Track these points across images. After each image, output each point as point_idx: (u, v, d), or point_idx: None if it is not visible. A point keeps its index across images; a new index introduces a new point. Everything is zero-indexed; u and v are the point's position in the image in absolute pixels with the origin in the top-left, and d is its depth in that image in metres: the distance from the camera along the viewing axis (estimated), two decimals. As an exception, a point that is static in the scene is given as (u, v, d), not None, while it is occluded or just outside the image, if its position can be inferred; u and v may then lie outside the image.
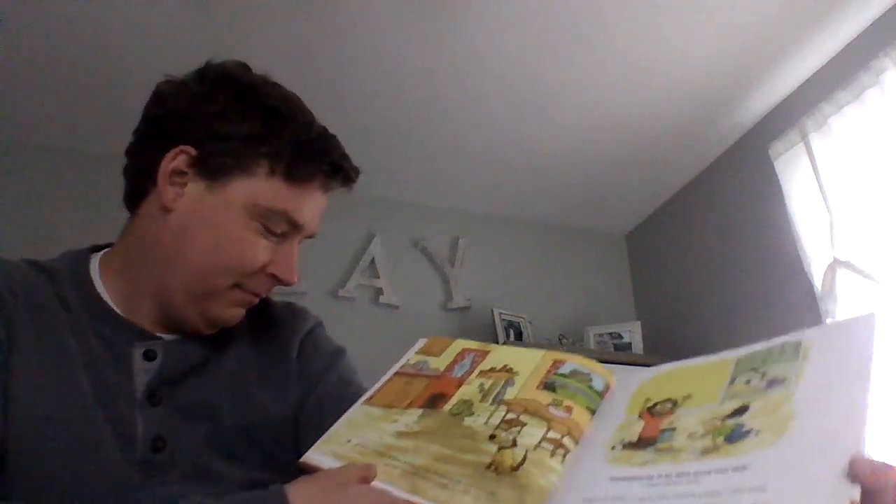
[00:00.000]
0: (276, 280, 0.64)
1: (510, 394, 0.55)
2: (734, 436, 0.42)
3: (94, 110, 1.94)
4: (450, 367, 0.63)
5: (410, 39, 1.81)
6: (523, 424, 0.51)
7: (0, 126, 2.03)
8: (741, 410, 0.44)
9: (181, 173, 0.60)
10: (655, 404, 0.50)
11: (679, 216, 2.65)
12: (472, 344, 0.66)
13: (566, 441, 0.49)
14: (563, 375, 0.56)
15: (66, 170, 2.15)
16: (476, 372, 0.60)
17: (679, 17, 1.74)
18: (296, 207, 0.62)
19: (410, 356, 0.68)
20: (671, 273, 2.63)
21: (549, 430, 0.50)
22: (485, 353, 0.64)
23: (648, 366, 0.57)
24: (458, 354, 0.65)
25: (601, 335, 2.50)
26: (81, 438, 0.52)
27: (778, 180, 1.96)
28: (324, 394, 0.67)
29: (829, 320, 1.75)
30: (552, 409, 0.52)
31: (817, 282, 1.80)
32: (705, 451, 0.42)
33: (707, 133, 2.30)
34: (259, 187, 0.60)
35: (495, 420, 0.52)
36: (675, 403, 0.49)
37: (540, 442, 0.49)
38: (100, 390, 0.55)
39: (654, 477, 0.42)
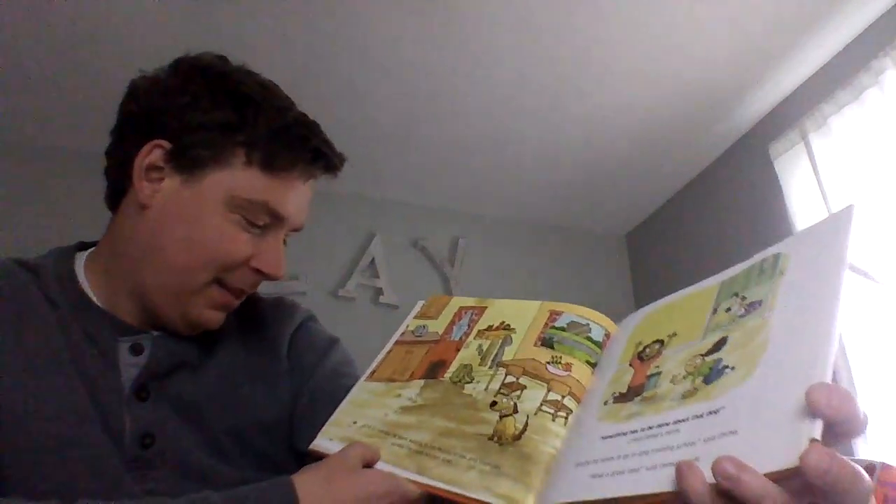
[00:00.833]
0: (261, 274, 0.61)
1: (508, 354, 0.55)
2: (712, 375, 0.39)
3: (94, 110, 1.94)
4: (448, 330, 0.63)
5: (410, 40, 1.80)
6: (523, 388, 0.50)
7: (0, 126, 2.03)
8: (720, 344, 0.41)
9: (157, 168, 0.59)
10: (645, 348, 0.48)
11: (679, 216, 2.65)
12: (470, 301, 0.66)
13: (567, 402, 0.48)
14: (561, 329, 0.55)
15: (67, 170, 2.16)
16: (474, 332, 0.60)
17: (679, 17, 1.74)
18: (277, 198, 0.60)
19: (409, 321, 0.68)
20: (671, 273, 2.63)
21: (549, 391, 0.49)
22: (482, 310, 0.63)
23: None
24: (455, 314, 0.65)
25: (601, 335, 2.49)
26: (70, 435, 0.51)
27: (778, 180, 1.96)
28: (317, 387, 0.66)
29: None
30: (551, 368, 0.51)
31: (817, 282, 1.79)
32: (685, 396, 0.40)
33: (707, 133, 2.30)
34: (236, 178, 0.58)
35: (495, 385, 0.52)
36: (662, 344, 0.47)
37: (540, 405, 0.48)
38: (88, 386, 0.54)
39: (638, 431, 0.40)
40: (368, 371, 0.63)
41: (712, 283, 0.49)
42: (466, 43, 1.82)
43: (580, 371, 0.51)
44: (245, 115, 0.59)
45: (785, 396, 0.33)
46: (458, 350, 0.59)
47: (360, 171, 2.47)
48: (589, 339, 0.54)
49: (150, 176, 0.59)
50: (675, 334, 0.47)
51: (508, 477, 0.44)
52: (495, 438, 0.47)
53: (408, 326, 0.67)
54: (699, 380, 0.40)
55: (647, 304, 0.55)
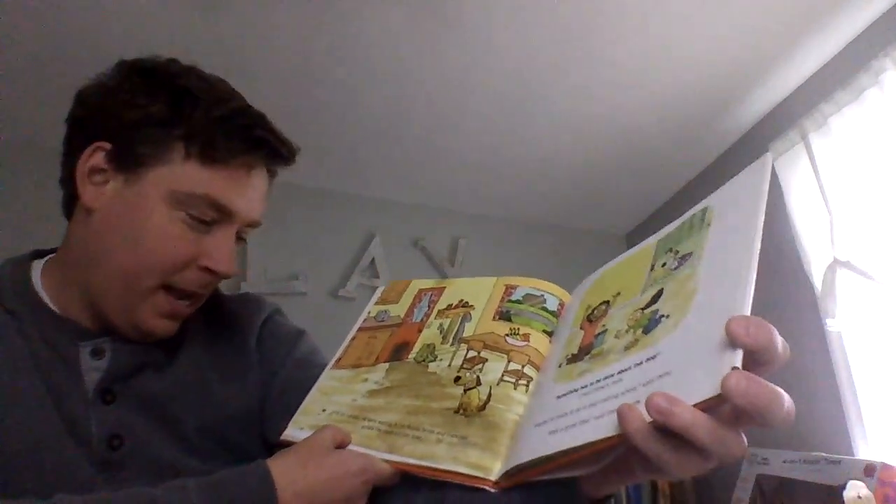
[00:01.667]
0: (209, 273, 0.59)
1: (469, 330, 0.57)
2: (650, 325, 0.41)
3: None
4: (409, 312, 0.64)
5: (410, 41, 1.81)
6: (484, 361, 0.52)
7: (0, 126, 2.03)
8: (657, 297, 0.43)
9: (100, 171, 0.58)
10: (593, 310, 0.50)
11: (679, 216, 2.65)
12: (428, 282, 0.68)
13: (527, 370, 0.50)
14: (517, 302, 0.57)
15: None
16: (434, 312, 0.62)
17: (679, 17, 1.74)
18: (219, 190, 0.58)
19: (370, 308, 0.69)
20: (671, 273, 2.62)
21: (509, 362, 0.51)
22: (441, 290, 0.65)
23: None
24: (415, 296, 0.66)
25: (601, 335, 2.49)
26: (38, 442, 0.51)
27: (778, 180, 1.96)
28: (286, 378, 0.66)
29: (828, 320, 1.75)
30: (510, 340, 0.53)
31: (817, 282, 1.80)
32: (628, 347, 0.41)
33: (707, 133, 2.30)
34: (175, 173, 0.57)
35: (458, 361, 0.54)
36: (608, 304, 0.49)
37: (502, 376, 0.50)
38: (52, 392, 0.54)
39: (588, 386, 0.42)
40: (334, 359, 0.64)
41: (650, 242, 0.51)
42: (466, 43, 1.83)
43: (538, 340, 0.53)
44: (182, 108, 0.57)
45: (710, 333, 0.35)
46: (421, 331, 0.60)
47: (360, 171, 2.47)
48: (544, 309, 0.56)
49: (94, 179, 0.58)
50: (619, 293, 0.49)
51: (476, 446, 0.45)
52: (461, 411, 0.49)
53: (369, 313, 0.68)
54: (639, 331, 0.42)
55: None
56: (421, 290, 0.67)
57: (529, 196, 2.71)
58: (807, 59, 1.92)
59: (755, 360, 0.34)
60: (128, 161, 0.57)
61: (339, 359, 0.63)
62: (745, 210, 0.41)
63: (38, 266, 0.63)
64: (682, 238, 0.46)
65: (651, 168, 2.51)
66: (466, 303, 0.60)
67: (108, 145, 0.58)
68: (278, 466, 0.48)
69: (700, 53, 1.89)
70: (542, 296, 0.57)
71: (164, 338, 0.61)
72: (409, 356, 0.58)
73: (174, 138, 0.57)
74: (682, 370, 0.35)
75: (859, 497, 1.35)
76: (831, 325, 1.75)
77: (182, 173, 0.57)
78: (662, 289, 0.43)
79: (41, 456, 0.51)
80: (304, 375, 0.64)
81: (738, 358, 0.32)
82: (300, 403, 0.59)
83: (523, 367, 0.50)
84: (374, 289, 2.61)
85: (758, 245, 0.37)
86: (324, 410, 0.57)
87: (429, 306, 0.63)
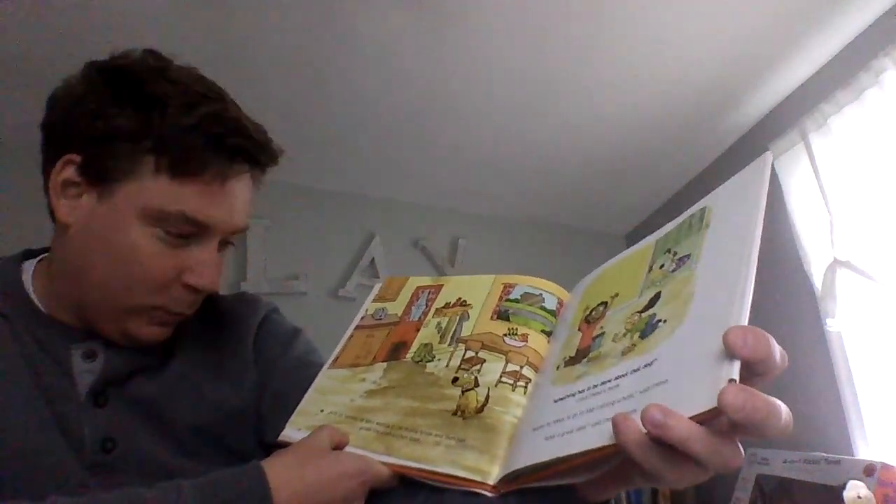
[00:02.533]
0: (193, 290, 0.57)
1: (466, 329, 0.56)
2: (647, 329, 0.40)
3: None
4: (407, 310, 0.64)
5: (410, 40, 1.80)
6: (482, 361, 0.52)
7: (1, 126, 2.03)
8: (654, 300, 0.42)
9: (74, 184, 0.55)
10: (591, 311, 0.50)
11: (679, 216, 2.65)
12: (426, 280, 0.67)
13: (526, 371, 0.50)
14: (516, 301, 0.56)
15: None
16: (432, 311, 0.61)
17: (679, 17, 1.74)
18: (193, 206, 0.54)
19: (368, 305, 0.68)
20: (671, 273, 2.62)
21: (507, 363, 0.51)
22: (438, 288, 0.64)
23: None
24: (413, 294, 0.65)
25: (601, 335, 2.49)
26: (32, 445, 0.51)
27: (778, 180, 1.96)
28: (283, 378, 0.66)
29: (828, 320, 1.75)
30: (508, 340, 0.52)
31: (817, 282, 1.80)
32: (625, 352, 0.41)
33: (707, 133, 2.30)
34: (146, 189, 0.53)
35: (455, 361, 0.53)
36: (606, 305, 0.48)
37: (500, 377, 0.49)
38: (44, 395, 0.53)
39: (584, 390, 0.41)
40: (331, 358, 0.63)
41: (649, 241, 0.50)
42: (466, 43, 1.82)
43: (536, 340, 0.52)
44: (150, 119, 0.53)
45: (707, 342, 0.34)
46: (418, 330, 0.60)
47: (360, 171, 2.47)
48: (543, 308, 0.55)
49: (68, 193, 0.55)
50: (617, 295, 0.48)
51: (474, 449, 0.45)
52: (459, 413, 0.48)
53: (367, 311, 0.67)
54: (636, 336, 0.41)
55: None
56: (419, 288, 0.66)
57: (529, 196, 2.71)
58: (807, 59, 1.92)
59: (752, 371, 0.33)
60: (98, 175, 0.54)
61: (337, 358, 0.63)
62: (744, 211, 0.40)
63: (29, 267, 0.62)
64: (680, 238, 0.46)
65: (651, 168, 2.51)
66: (464, 301, 0.60)
67: (78, 157, 0.54)
68: (274, 467, 0.48)
69: (700, 53, 1.89)
70: (541, 294, 0.56)
71: (158, 343, 0.60)
72: (407, 356, 0.57)
73: (143, 151, 0.53)
74: (678, 379, 0.34)
75: (859, 497, 1.35)
76: (831, 325, 1.75)
77: (153, 189, 0.53)
78: (660, 292, 0.43)
79: (34, 459, 0.50)
80: (301, 375, 0.63)
81: (735, 369, 0.32)
82: (297, 404, 0.59)
83: (521, 368, 0.50)
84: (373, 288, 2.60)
85: (756, 249, 0.36)
86: (321, 411, 0.56)
87: (426, 304, 0.63)
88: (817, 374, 1.83)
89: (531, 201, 2.75)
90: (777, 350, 0.33)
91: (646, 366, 0.38)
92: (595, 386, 0.41)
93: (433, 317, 0.60)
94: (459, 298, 0.60)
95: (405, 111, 2.13)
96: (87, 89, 0.56)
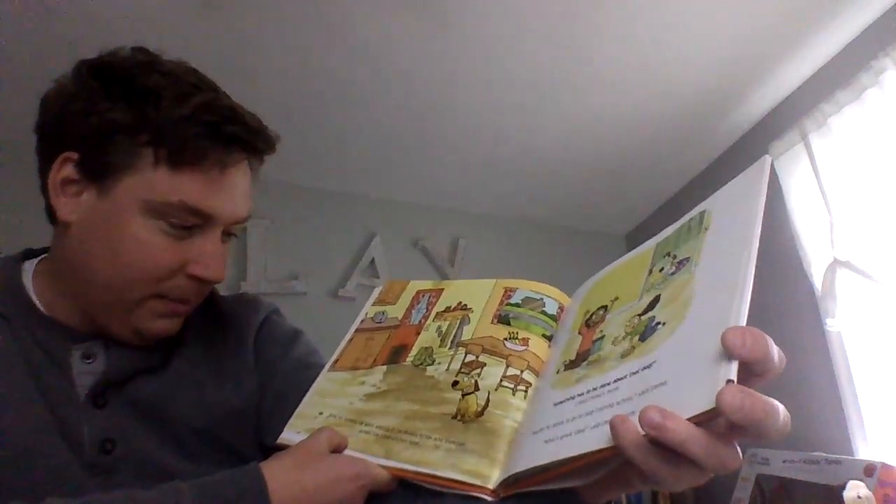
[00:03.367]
0: (199, 280, 0.57)
1: (467, 333, 0.56)
2: (647, 332, 0.40)
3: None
4: (407, 314, 0.63)
5: (410, 40, 1.80)
6: (483, 365, 0.51)
7: (1, 126, 2.03)
8: (654, 303, 0.43)
9: (73, 182, 0.55)
10: (591, 315, 0.50)
11: (679, 216, 2.64)
12: (427, 284, 0.67)
13: (526, 375, 0.50)
14: (516, 305, 0.56)
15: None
16: (432, 315, 0.61)
17: (679, 17, 1.74)
18: (193, 196, 0.54)
19: (368, 308, 0.68)
20: (671, 273, 2.62)
21: (508, 367, 0.51)
22: (439, 292, 0.64)
23: None
24: (413, 298, 0.65)
25: (601, 335, 2.49)
26: (30, 445, 0.51)
27: (778, 180, 1.96)
28: (283, 380, 0.66)
29: (828, 320, 1.75)
30: (509, 344, 0.52)
31: (817, 282, 1.80)
32: (624, 355, 0.41)
33: (707, 133, 2.30)
34: (146, 181, 0.53)
35: (456, 365, 0.53)
36: (606, 309, 0.48)
37: (500, 381, 0.49)
38: (43, 396, 0.53)
39: (584, 393, 0.41)
40: (331, 361, 0.63)
41: (649, 245, 0.50)
42: (466, 43, 1.82)
43: (537, 345, 0.52)
44: (145, 111, 0.53)
45: (705, 343, 0.34)
46: (419, 333, 0.59)
47: (360, 171, 2.47)
48: (543, 312, 0.55)
49: (68, 191, 0.55)
50: (617, 298, 0.48)
51: (474, 453, 0.45)
52: (459, 417, 0.48)
53: (367, 314, 0.67)
54: (636, 338, 0.41)
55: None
56: (419, 292, 0.66)
57: (529, 196, 2.71)
58: (807, 59, 1.92)
59: (751, 371, 0.33)
60: (97, 171, 0.54)
61: (337, 360, 0.63)
62: (742, 214, 0.40)
63: (29, 267, 0.61)
64: (679, 242, 0.46)
65: (651, 168, 2.51)
66: (465, 305, 0.60)
67: (75, 155, 0.54)
68: (272, 469, 0.47)
69: (700, 53, 1.89)
70: (542, 299, 0.56)
71: (168, 336, 0.60)
72: (407, 359, 0.57)
73: (141, 144, 0.53)
74: (677, 381, 0.35)
75: (859, 497, 1.35)
76: (831, 325, 1.75)
77: (153, 181, 0.53)
78: (659, 295, 0.43)
79: (32, 459, 0.50)
80: (301, 377, 0.63)
81: (733, 370, 0.32)
82: (297, 406, 0.59)
83: (522, 372, 0.50)
84: (373, 289, 2.60)
85: (755, 251, 0.37)
86: (320, 413, 0.56)
87: (427, 308, 0.62)
88: (817, 374, 1.83)
89: (531, 201, 2.75)
90: (775, 350, 0.33)
91: (645, 368, 0.38)
92: (594, 389, 0.41)
93: (433, 321, 0.60)
94: (460, 302, 0.60)
95: (405, 111, 2.13)
96: (79, 87, 0.56)
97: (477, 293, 0.60)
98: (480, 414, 0.47)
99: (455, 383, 0.51)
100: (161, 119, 0.53)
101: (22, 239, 0.69)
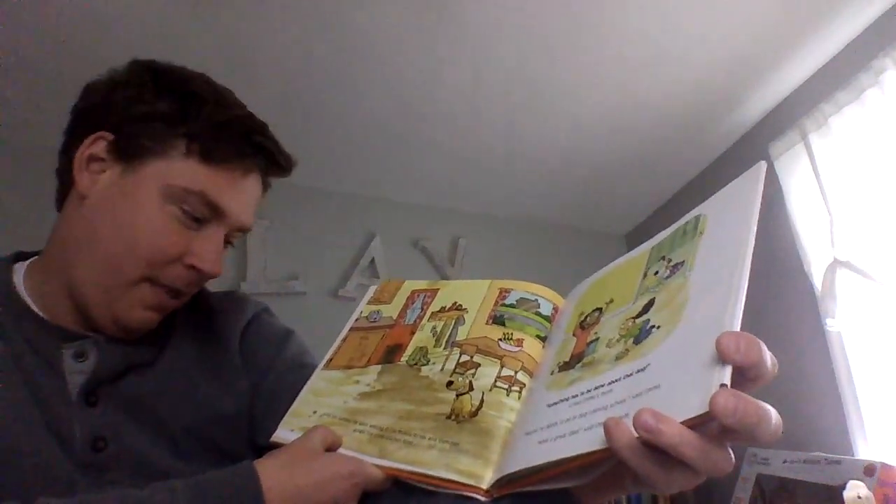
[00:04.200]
0: (195, 271, 0.59)
1: (462, 333, 0.56)
2: (641, 335, 0.41)
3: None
4: (402, 314, 0.63)
5: (410, 41, 1.80)
6: (477, 365, 0.51)
7: (1, 126, 2.03)
8: (648, 306, 0.43)
9: (98, 160, 0.59)
10: (586, 317, 0.50)
11: (679, 216, 2.64)
12: (422, 284, 0.67)
13: (520, 376, 0.50)
14: (511, 305, 0.56)
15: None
16: (427, 315, 0.61)
17: (678, 17, 1.74)
18: (214, 189, 0.59)
19: (363, 307, 0.68)
20: (671, 273, 2.62)
21: (502, 367, 0.51)
22: (434, 292, 0.64)
23: None
24: (408, 298, 0.65)
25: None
26: (20, 445, 0.51)
27: (778, 180, 1.96)
28: (275, 379, 0.66)
29: (828, 320, 1.75)
30: (503, 345, 0.52)
31: (817, 282, 1.80)
32: (618, 357, 0.41)
33: (707, 133, 2.30)
34: (174, 168, 0.57)
35: (450, 365, 0.53)
36: (600, 311, 0.49)
37: (495, 382, 0.49)
38: (35, 395, 0.53)
39: (578, 395, 0.41)
40: (325, 359, 0.63)
41: (644, 248, 0.51)
42: (466, 43, 1.82)
43: (531, 346, 0.52)
44: (188, 109, 0.59)
45: (699, 348, 0.34)
46: (413, 333, 0.60)
47: (360, 171, 2.47)
48: (538, 314, 0.55)
49: (91, 167, 0.59)
50: (611, 301, 0.48)
51: (467, 453, 0.45)
52: (453, 417, 0.48)
53: (361, 313, 0.67)
54: (630, 341, 0.41)
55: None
56: (414, 292, 0.66)
57: (529, 196, 2.71)
58: (807, 59, 1.92)
59: (744, 376, 0.34)
60: (128, 152, 0.58)
61: (331, 359, 0.62)
62: (737, 219, 0.40)
63: (20, 269, 0.62)
64: (674, 246, 0.46)
65: (651, 168, 2.51)
66: (460, 306, 0.60)
67: (110, 136, 0.58)
68: (266, 468, 0.48)
69: (700, 53, 1.89)
70: (536, 300, 0.56)
71: (146, 330, 0.60)
72: (402, 359, 0.57)
73: (177, 136, 0.58)
74: (671, 384, 0.35)
75: (859, 497, 1.35)
76: (831, 325, 1.75)
77: (180, 169, 0.58)
78: (654, 298, 0.43)
79: (23, 459, 0.50)
80: (294, 376, 0.64)
81: (726, 374, 0.32)
82: (290, 405, 0.59)
83: (516, 372, 0.50)
84: (373, 289, 2.61)
85: (749, 256, 0.37)
86: (314, 412, 0.56)
87: (422, 308, 0.62)
88: (817, 374, 1.83)
89: (531, 201, 2.75)
90: (768, 356, 0.34)
91: (639, 371, 0.38)
92: (588, 391, 0.41)
93: (428, 321, 0.60)
94: (455, 303, 0.60)
95: (405, 111, 2.13)
96: (132, 78, 0.61)
97: (472, 294, 0.60)
98: (474, 414, 0.47)
99: (449, 383, 0.51)
100: (201, 118, 0.59)
101: (16, 244, 0.69)
